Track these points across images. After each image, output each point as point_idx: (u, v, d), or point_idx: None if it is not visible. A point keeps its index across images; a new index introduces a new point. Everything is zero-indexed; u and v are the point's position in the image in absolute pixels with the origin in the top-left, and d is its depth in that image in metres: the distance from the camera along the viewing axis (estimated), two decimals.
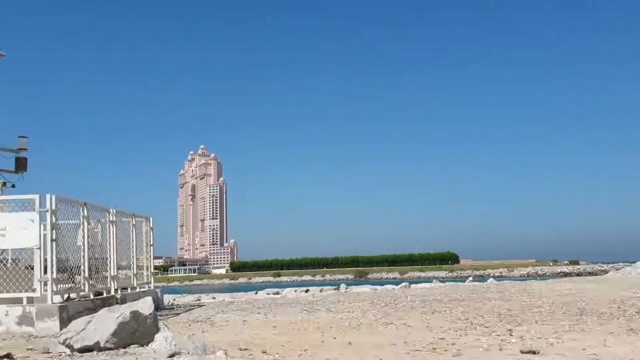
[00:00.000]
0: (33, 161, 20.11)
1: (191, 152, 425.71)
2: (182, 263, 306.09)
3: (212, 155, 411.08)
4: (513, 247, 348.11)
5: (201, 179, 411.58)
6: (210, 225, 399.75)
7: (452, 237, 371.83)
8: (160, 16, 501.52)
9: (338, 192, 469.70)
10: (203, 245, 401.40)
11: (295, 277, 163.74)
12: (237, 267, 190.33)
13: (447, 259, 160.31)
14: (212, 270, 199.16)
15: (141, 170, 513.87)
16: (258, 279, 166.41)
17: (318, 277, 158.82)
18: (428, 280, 68.17)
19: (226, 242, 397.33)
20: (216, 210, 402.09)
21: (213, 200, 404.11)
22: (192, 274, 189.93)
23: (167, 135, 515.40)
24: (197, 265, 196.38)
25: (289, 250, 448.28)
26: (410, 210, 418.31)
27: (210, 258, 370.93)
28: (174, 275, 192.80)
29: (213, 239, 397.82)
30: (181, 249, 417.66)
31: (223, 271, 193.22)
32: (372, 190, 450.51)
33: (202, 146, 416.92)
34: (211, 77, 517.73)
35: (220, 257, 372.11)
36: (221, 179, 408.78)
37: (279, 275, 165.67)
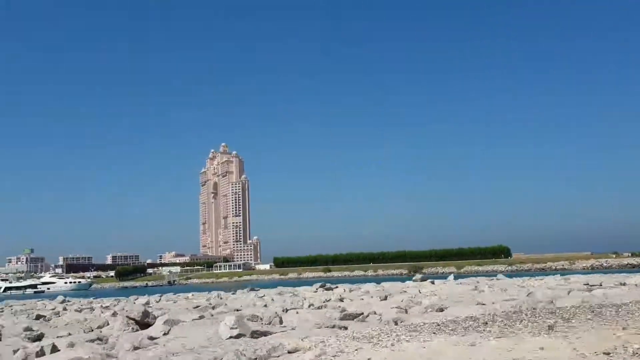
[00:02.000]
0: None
1: (212, 150, 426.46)
2: (207, 260, 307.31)
3: (234, 152, 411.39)
4: (559, 240, 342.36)
5: (223, 176, 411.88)
6: (233, 223, 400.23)
7: (496, 230, 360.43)
8: (181, 15, 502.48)
9: (360, 187, 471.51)
10: (226, 242, 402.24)
11: (346, 273, 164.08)
12: (281, 263, 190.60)
13: (499, 253, 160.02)
14: (256, 266, 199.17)
15: (163, 168, 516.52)
16: (308, 274, 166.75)
17: (370, 273, 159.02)
18: (490, 274, 66.63)
19: (249, 239, 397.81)
20: (239, 208, 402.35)
21: (235, 197, 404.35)
22: (237, 270, 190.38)
23: (188, 134, 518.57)
24: (235, 262, 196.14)
25: (314, 246, 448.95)
26: (450, 203, 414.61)
27: (235, 255, 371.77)
28: (219, 271, 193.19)
29: (236, 236, 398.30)
30: (204, 246, 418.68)
31: (267, 267, 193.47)
32: (394, 185, 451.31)
33: (223, 144, 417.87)
34: (231, 75, 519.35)
35: (244, 254, 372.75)
36: (243, 176, 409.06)
37: (329, 271, 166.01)
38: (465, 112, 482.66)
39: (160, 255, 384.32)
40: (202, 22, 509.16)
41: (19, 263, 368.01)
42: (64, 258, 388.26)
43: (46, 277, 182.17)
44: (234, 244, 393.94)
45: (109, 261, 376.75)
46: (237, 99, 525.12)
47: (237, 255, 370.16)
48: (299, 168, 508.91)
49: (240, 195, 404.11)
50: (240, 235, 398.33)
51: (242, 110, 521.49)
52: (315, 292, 33.17)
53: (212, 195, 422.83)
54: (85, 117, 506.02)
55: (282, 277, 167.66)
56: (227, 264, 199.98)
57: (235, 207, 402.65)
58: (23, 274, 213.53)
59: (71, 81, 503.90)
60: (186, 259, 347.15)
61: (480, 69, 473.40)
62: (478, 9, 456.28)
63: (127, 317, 16.15)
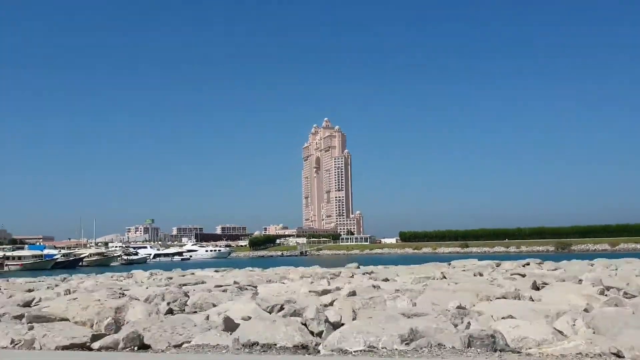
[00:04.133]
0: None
1: (314, 125, 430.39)
2: (313, 234, 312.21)
3: (337, 127, 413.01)
4: None
5: (326, 151, 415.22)
6: (336, 197, 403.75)
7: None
8: None
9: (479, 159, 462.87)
10: (329, 216, 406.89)
11: (486, 249, 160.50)
12: (407, 237, 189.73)
13: None
14: (382, 240, 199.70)
15: (268, 143, 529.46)
16: (444, 250, 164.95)
17: (512, 249, 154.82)
18: None
19: (352, 214, 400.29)
20: (341, 182, 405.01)
21: (338, 172, 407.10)
22: (363, 243, 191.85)
23: (290, 109, 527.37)
24: (365, 234, 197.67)
25: (418, 222, 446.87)
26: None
27: (339, 229, 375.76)
28: (345, 243, 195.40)
29: (339, 210, 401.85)
30: (307, 219, 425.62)
31: (393, 241, 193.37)
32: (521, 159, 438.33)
33: (325, 119, 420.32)
34: (332, 51, 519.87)
35: (347, 228, 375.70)
36: (345, 151, 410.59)
37: (467, 246, 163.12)
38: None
39: (265, 227, 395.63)
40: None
41: (137, 233, 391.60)
42: (177, 228, 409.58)
43: (188, 246, 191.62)
44: (336, 218, 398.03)
45: (218, 231, 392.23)
46: (340, 73, 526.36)
47: (340, 229, 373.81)
48: (399, 142, 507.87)
49: (343, 170, 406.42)
50: (342, 209, 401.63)
51: (345, 85, 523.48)
52: None
53: (315, 169, 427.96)
54: (196, 94, 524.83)
55: (415, 251, 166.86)
56: (353, 236, 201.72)
57: (338, 182, 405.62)
58: (169, 243, 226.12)
59: (185, 60, 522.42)
60: (293, 231, 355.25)
61: None
62: None
63: None
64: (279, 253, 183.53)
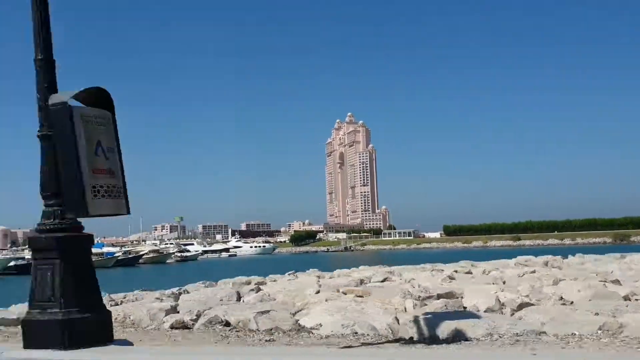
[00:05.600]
0: None
1: (337, 120, 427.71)
2: (341, 229, 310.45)
3: (361, 122, 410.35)
4: None
5: (350, 146, 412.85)
6: (361, 192, 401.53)
7: None
8: None
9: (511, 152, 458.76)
10: (354, 211, 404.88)
11: (539, 241, 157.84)
12: (452, 231, 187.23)
13: None
14: (425, 234, 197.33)
15: (290, 139, 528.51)
16: (495, 243, 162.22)
17: (567, 241, 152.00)
18: None
19: (378, 209, 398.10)
20: (366, 177, 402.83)
21: (363, 167, 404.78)
22: (406, 237, 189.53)
23: (312, 105, 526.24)
24: (408, 229, 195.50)
25: (452, 215, 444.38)
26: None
27: (365, 224, 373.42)
28: (390, 238, 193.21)
29: (364, 205, 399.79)
30: (331, 215, 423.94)
31: (437, 235, 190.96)
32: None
33: (349, 113, 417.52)
34: (353, 46, 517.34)
35: (373, 224, 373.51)
36: (370, 145, 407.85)
37: (519, 239, 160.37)
38: None
39: (289, 224, 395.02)
40: None
41: (164, 231, 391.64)
42: (202, 226, 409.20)
43: (232, 242, 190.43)
44: (362, 213, 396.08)
45: (243, 228, 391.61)
46: (361, 68, 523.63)
47: (367, 224, 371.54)
48: (424, 136, 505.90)
49: (368, 165, 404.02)
50: (368, 205, 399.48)
51: (367, 80, 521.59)
52: None
53: (339, 165, 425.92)
54: (215, 88, 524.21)
55: (465, 245, 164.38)
56: (394, 231, 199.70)
57: (363, 177, 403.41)
58: (209, 239, 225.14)
59: (224, 52, 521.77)
60: (320, 227, 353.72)
61: None
62: None
63: None
64: (324, 249, 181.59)
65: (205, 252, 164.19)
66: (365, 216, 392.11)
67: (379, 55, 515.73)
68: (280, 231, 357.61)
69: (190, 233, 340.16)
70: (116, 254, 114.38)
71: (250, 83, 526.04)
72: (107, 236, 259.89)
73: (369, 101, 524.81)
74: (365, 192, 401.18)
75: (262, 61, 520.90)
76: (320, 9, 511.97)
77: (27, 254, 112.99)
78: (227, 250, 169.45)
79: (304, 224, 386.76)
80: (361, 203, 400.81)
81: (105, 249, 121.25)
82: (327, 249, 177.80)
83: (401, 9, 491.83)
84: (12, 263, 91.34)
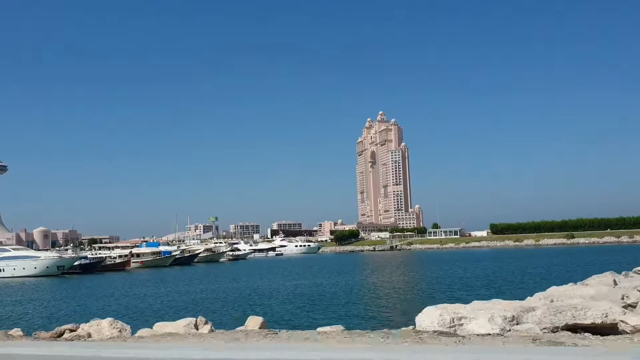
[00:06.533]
0: None
1: (369, 119, 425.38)
2: (374, 228, 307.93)
3: (393, 120, 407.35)
4: None
5: (382, 145, 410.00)
6: (394, 191, 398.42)
7: None
8: None
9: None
10: (387, 210, 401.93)
11: (594, 239, 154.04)
12: (500, 230, 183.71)
13: None
14: (471, 233, 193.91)
15: (320, 139, 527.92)
16: (547, 241, 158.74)
17: (625, 239, 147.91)
18: None
19: (411, 208, 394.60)
20: (399, 176, 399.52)
21: (395, 165, 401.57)
22: (452, 237, 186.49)
23: (342, 104, 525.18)
24: (453, 228, 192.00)
25: (489, 214, 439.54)
26: None
27: (398, 224, 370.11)
28: (437, 237, 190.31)
29: (397, 204, 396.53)
30: (362, 214, 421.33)
31: (484, 233, 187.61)
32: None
33: (381, 112, 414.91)
34: (383, 43, 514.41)
35: (406, 223, 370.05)
36: (402, 144, 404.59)
37: (572, 237, 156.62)
38: None
39: (320, 223, 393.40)
40: None
41: (197, 231, 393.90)
42: (234, 226, 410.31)
43: (277, 241, 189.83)
44: (395, 213, 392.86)
45: (274, 227, 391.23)
46: (393, 66, 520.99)
47: (401, 224, 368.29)
48: (456, 133, 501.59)
49: (401, 164, 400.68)
50: (401, 204, 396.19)
51: (399, 78, 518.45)
52: None
53: (370, 164, 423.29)
54: (259, 88, 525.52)
55: (517, 244, 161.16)
56: (440, 230, 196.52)
57: (396, 176, 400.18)
58: (256, 239, 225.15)
59: (247, 47, 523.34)
60: (353, 226, 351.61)
61: None
62: None
63: None
64: (369, 248, 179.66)
65: (254, 251, 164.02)
66: (399, 215, 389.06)
67: (410, 52, 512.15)
68: (315, 230, 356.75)
69: (223, 233, 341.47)
70: (174, 253, 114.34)
71: (278, 82, 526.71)
72: (145, 236, 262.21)
73: (401, 99, 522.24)
74: (398, 191, 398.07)
75: (291, 60, 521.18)
76: (349, 7, 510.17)
77: (90, 254, 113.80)
78: (273, 249, 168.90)
79: (335, 223, 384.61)
80: (394, 202, 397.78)
81: (162, 248, 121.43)
82: (374, 248, 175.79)
83: (431, 5, 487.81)
84: (77, 262, 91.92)
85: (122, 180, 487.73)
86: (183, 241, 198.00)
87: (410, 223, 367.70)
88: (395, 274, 65.64)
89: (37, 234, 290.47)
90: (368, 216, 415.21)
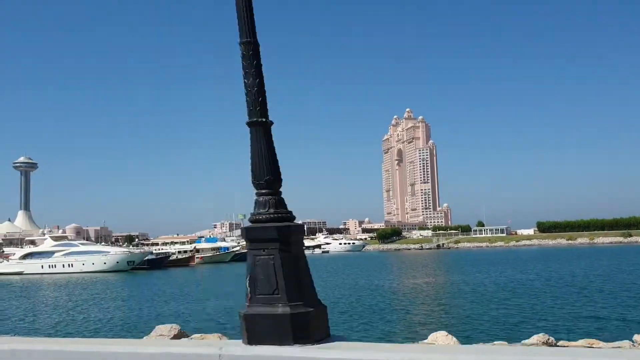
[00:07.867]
0: None
1: (395, 117, 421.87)
2: (401, 227, 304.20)
3: (420, 117, 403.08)
4: None
5: (409, 142, 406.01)
6: (421, 190, 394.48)
7: None
8: None
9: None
10: (414, 209, 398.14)
11: None
12: (547, 228, 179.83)
13: None
14: (517, 232, 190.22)
15: (345, 137, 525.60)
16: (603, 240, 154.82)
17: None
18: None
19: (439, 206, 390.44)
20: (427, 174, 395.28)
21: (423, 163, 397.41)
22: (498, 235, 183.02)
23: (368, 102, 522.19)
24: (499, 226, 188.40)
25: (523, 212, 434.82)
26: None
27: (427, 222, 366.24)
28: (479, 235, 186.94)
29: (425, 202, 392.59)
30: (388, 213, 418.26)
31: (530, 231, 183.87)
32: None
33: (407, 109, 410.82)
34: (408, 41, 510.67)
35: (434, 222, 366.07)
36: (430, 141, 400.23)
37: (630, 235, 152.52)
38: None
39: (345, 222, 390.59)
40: None
41: (224, 228, 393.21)
42: None
43: (320, 239, 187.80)
44: (423, 211, 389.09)
45: None
46: (418, 64, 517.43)
47: (429, 222, 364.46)
48: (486, 131, 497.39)
49: (429, 161, 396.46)
50: (429, 202, 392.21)
51: (425, 75, 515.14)
52: None
53: (397, 162, 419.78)
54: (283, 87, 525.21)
55: (570, 242, 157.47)
56: (485, 228, 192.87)
57: (424, 174, 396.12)
58: None
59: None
60: (381, 224, 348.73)
61: None
62: None
63: None
64: (415, 246, 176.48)
65: None
66: (427, 214, 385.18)
67: (435, 49, 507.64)
68: (342, 229, 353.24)
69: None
70: (235, 249, 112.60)
71: (305, 82, 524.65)
72: (179, 233, 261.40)
73: (428, 96, 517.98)
74: (425, 189, 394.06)
75: (316, 59, 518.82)
76: (373, 5, 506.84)
77: (154, 250, 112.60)
78: (318, 246, 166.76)
79: (362, 222, 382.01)
80: (422, 201, 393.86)
81: (220, 244, 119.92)
82: (421, 247, 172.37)
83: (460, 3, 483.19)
84: (146, 258, 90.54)
85: (142, 177, 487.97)
86: (223, 239, 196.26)
87: (439, 221, 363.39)
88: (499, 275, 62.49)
89: (69, 231, 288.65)
90: (394, 215, 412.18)
